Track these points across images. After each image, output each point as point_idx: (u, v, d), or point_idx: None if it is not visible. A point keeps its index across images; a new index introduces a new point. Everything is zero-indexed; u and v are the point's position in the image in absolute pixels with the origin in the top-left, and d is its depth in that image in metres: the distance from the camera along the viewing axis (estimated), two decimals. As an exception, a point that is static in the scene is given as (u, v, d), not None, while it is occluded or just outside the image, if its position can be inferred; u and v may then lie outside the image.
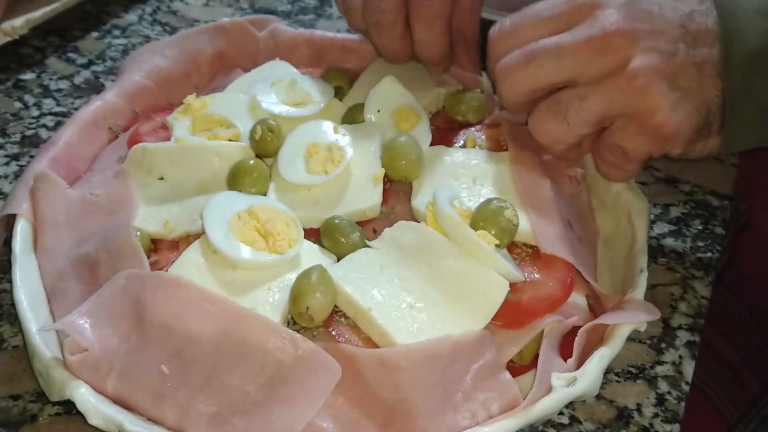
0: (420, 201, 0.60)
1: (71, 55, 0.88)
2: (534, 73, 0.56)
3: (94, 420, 0.48)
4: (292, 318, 0.52)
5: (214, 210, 0.56)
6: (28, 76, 0.84)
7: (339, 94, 0.71)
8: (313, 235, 0.58)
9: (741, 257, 0.78)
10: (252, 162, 0.61)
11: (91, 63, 0.87)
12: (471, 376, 0.50)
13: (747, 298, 0.78)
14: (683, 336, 0.61)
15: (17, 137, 0.76)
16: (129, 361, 0.50)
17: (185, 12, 0.96)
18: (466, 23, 0.71)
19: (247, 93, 0.68)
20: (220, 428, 0.48)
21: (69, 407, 0.54)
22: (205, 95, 0.69)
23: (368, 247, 0.56)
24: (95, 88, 0.82)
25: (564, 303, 0.55)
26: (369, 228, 0.59)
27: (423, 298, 0.53)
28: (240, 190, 0.59)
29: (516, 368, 0.54)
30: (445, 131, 0.67)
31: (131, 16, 0.95)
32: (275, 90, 0.68)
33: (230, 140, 0.64)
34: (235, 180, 0.60)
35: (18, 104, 0.80)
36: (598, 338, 0.54)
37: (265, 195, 0.60)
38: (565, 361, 0.53)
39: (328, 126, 0.63)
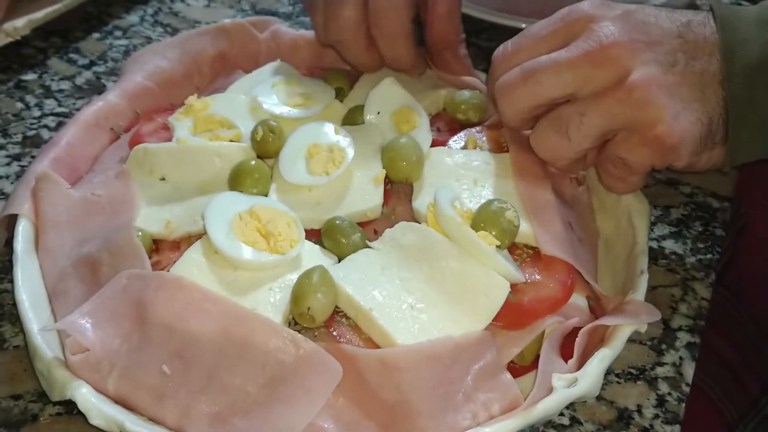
0: (421, 202, 0.60)
1: (73, 55, 0.88)
2: (533, 90, 0.56)
3: (95, 420, 0.48)
4: (293, 318, 0.53)
5: (215, 210, 0.56)
6: (30, 76, 0.84)
7: (340, 95, 0.71)
8: (314, 235, 0.58)
9: (740, 259, 0.78)
10: (253, 163, 0.61)
11: (92, 64, 0.87)
12: (472, 377, 0.50)
13: (746, 299, 0.78)
14: (683, 337, 0.61)
15: (19, 137, 0.76)
16: (130, 361, 0.50)
17: (186, 13, 0.97)
18: (447, 30, 0.71)
19: (249, 94, 0.69)
20: (221, 428, 0.48)
21: (70, 407, 0.54)
22: (206, 96, 0.69)
23: (369, 247, 0.56)
24: (97, 88, 0.83)
25: (565, 304, 0.55)
26: (370, 229, 0.59)
27: (424, 298, 0.53)
28: (241, 191, 0.59)
29: (517, 369, 0.54)
30: (445, 132, 0.67)
31: (133, 17, 0.95)
32: (276, 91, 0.69)
33: (231, 141, 0.64)
34: (237, 180, 0.60)
35: (19, 105, 0.80)
36: (599, 339, 0.55)
37: (266, 196, 0.60)
38: (566, 362, 0.53)
39: (329, 127, 0.63)
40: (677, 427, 0.55)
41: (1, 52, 0.85)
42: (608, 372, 0.55)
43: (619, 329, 0.54)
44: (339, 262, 0.56)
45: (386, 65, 0.72)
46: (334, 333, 0.52)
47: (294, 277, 0.53)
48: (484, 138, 0.66)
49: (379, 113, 0.66)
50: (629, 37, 0.53)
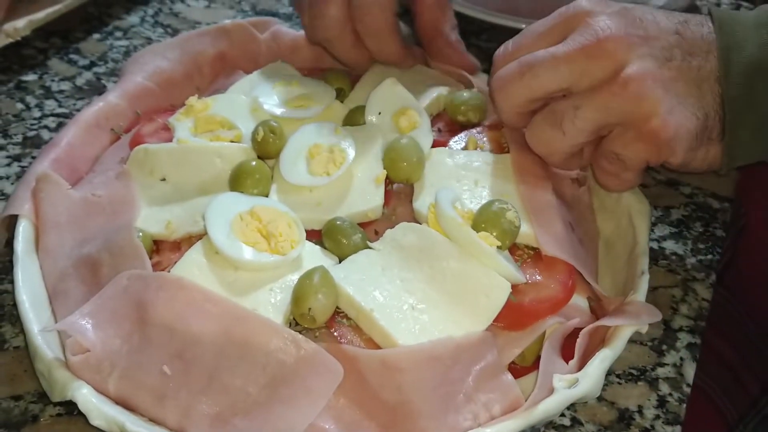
0: (422, 203, 0.60)
1: (73, 56, 0.88)
2: (529, 83, 0.56)
3: (95, 420, 0.48)
4: (294, 319, 0.53)
5: (216, 211, 0.56)
6: (30, 77, 0.84)
7: (340, 95, 0.71)
8: (314, 236, 0.58)
9: (740, 259, 0.78)
10: (254, 163, 0.61)
11: (92, 64, 0.87)
12: (473, 378, 0.50)
13: (746, 299, 0.78)
14: (684, 338, 0.61)
15: (19, 138, 0.76)
16: (131, 362, 0.50)
17: (187, 14, 0.97)
18: (438, 19, 0.71)
19: (249, 95, 0.69)
20: (221, 429, 0.48)
21: (70, 408, 0.54)
22: (206, 97, 0.69)
23: (370, 248, 0.56)
24: (97, 89, 0.83)
25: (565, 305, 0.55)
26: (370, 229, 0.59)
27: (425, 299, 0.53)
28: (242, 192, 0.59)
29: (518, 370, 0.54)
30: (446, 133, 0.67)
31: (133, 18, 0.95)
32: (277, 92, 0.69)
33: (232, 142, 0.64)
34: (237, 181, 0.60)
35: (20, 105, 0.80)
36: (600, 340, 0.55)
37: (266, 196, 0.60)
38: (567, 363, 0.53)
39: (329, 128, 0.63)
40: (678, 428, 0.55)
41: (2, 53, 0.85)
42: (609, 373, 0.55)
43: (620, 330, 0.54)
44: (340, 262, 0.56)
45: (375, 60, 0.72)
46: (335, 333, 0.52)
47: (295, 277, 0.53)
48: (485, 139, 0.66)
49: (380, 114, 0.66)
50: (625, 32, 0.53)
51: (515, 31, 0.61)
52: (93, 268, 0.56)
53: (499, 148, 0.65)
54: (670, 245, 0.69)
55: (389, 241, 0.56)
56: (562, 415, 0.55)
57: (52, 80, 0.84)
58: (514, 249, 0.58)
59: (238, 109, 0.67)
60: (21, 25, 0.82)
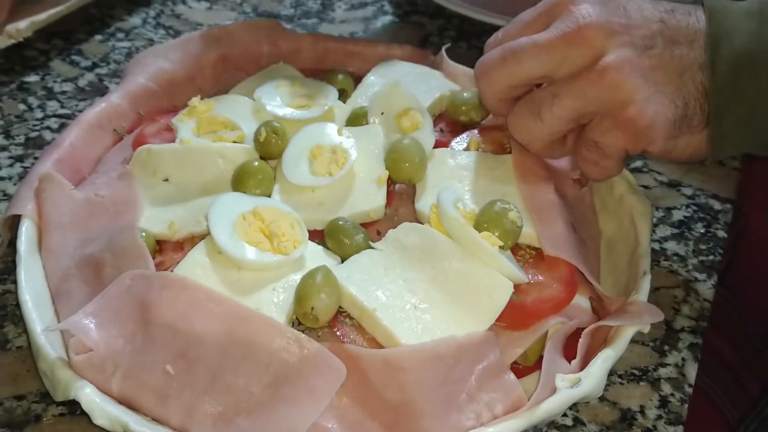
0: (424, 203, 0.60)
1: (75, 57, 0.88)
2: (511, 69, 0.56)
3: (99, 420, 0.48)
4: (296, 318, 0.53)
5: (219, 211, 0.56)
6: (32, 78, 0.84)
7: (342, 96, 0.72)
8: (317, 236, 0.58)
9: (741, 260, 0.78)
10: (256, 164, 0.61)
11: (95, 66, 0.87)
12: (475, 377, 0.50)
13: (746, 300, 0.78)
14: (686, 338, 0.61)
15: (21, 139, 0.76)
16: (134, 362, 0.50)
17: (189, 15, 0.97)
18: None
19: (252, 96, 0.69)
20: (224, 428, 0.48)
21: (73, 408, 0.54)
22: (209, 98, 0.69)
23: (372, 248, 0.56)
24: (99, 90, 0.83)
25: (568, 305, 0.56)
26: (373, 230, 0.59)
27: (427, 299, 0.53)
28: (244, 192, 0.59)
29: (520, 369, 0.54)
30: (448, 134, 0.68)
31: (135, 20, 0.95)
32: (279, 93, 0.69)
33: (235, 142, 0.64)
34: (240, 181, 0.60)
35: (22, 106, 0.80)
36: (602, 340, 0.55)
37: (269, 196, 0.60)
38: (569, 363, 0.53)
39: (332, 128, 0.63)
40: (680, 428, 0.55)
41: (4, 54, 0.85)
42: (611, 373, 0.55)
43: (622, 330, 0.54)
44: (342, 262, 0.56)
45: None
46: (338, 333, 0.52)
47: (297, 277, 0.53)
48: (486, 139, 0.66)
49: (382, 114, 0.66)
50: (606, 19, 0.53)
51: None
52: (96, 268, 0.56)
53: (500, 149, 0.65)
54: (671, 246, 0.69)
55: (391, 241, 0.56)
56: (565, 415, 0.55)
57: (55, 81, 0.84)
58: (516, 249, 0.58)
59: (240, 109, 0.67)
60: (23, 26, 0.82)
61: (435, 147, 0.64)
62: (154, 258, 0.56)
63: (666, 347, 0.61)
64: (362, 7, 1.00)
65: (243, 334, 0.50)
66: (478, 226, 0.55)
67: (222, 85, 0.75)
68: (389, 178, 0.61)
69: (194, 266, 0.54)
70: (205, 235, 0.56)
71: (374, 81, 0.72)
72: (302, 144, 0.62)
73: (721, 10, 0.54)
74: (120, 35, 0.92)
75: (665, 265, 0.68)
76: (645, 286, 0.57)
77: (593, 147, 0.57)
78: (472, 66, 0.62)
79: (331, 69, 0.76)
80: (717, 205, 0.74)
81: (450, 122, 0.69)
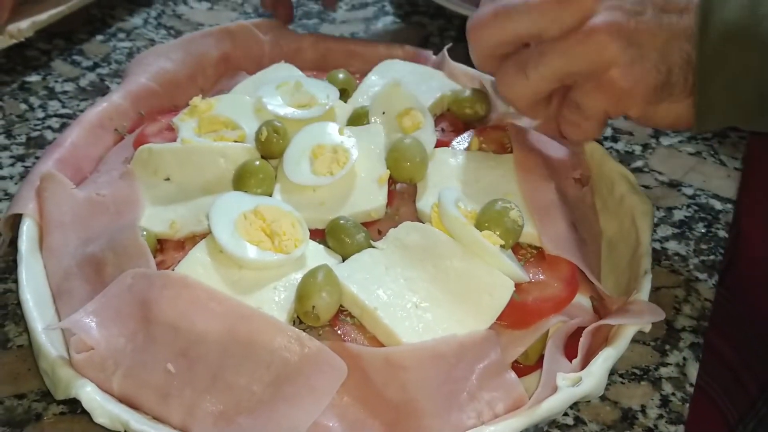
0: (425, 202, 0.60)
1: (76, 57, 0.88)
2: (502, 26, 0.57)
3: (99, 419, 0.48)
4: (297, 317, 0.53)
5: (220, 210, 0.56)
6: (34, 78, 0.84)
7: (343, 96, 0.72)
8: (318, 235, 0.58)
9: (739, 259, 0.78)
10: (257, 163, 0.61)
11: (96, 66, 0.87)
12: (476, 376, 0.50)
13: (745, 299, 0.78)
14: (687, 338, 0.61)
15: (23, 139, 0.76)
16: (135, 360, 0.50)
17: (190, 16, 0.97)
18: None
19: (253, 95, 0.69)
20: (225, 427, 0.48)
21: (74, 406, 0.54)
22: (210, 97, 0.69)
23: (373, 247, 0.56)
24: (100, 90, 0.83)
25: (568, 304, 0.56)
26: (374, 229, 0.59)
27: (428, 297, 0.53)
28: (246, 191, 0.59)
29: (521, 368, 0.54)
30: (449, 133, 0.68)
31: (136, 20, 0.95)
32: (280, 92, 0.69)
33: (236, 142, 0.64)
34: (241, 181, 0.60)
35: (23, 106, 0.81)
36: (603, 339, 0.55)
37: (270, 196, 0.60)
38: (570, 362, 0.53)
39: (333, 128, 0.64)
40: (681, 428, 0.55)
41: (5, 54, 0.85)
42: (612, 372, 0.55)
43: (623, 329, 0.54)
44: (343, 261, 0.56)
45: None
46: (339, 332, 0.52)
47: (298, 276, 0.53)
48: (487, 139, 0.66)
49: (383, 114, 0.66)
50: None
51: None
52: (97, 267, 0.56)
53: (501, 149, 0.65)
54: (672, 246, 0.69)
55: (393, 240, 0.56)
56: (566, 414, 0.55)
57: (56, 81, 0.84)
58: (517, 248, 0.58)
59: (241, 109, 0.68)
60: (24, 26, 0.82)
61: (436, 146, 0.64)
62: (155, 257, 0.56)
63: (667, 347, 0.61)
64: (363, 7, 1.00)
65: (244, 333, 0.50)
66: (479, 226, 0.55)
67: (223, 85, 0.75)
68: (390, 178, 0.61)
69: (195, 265, 0.54)
70: (207, 234, 0.56)
71: (375, 81, 0.72)
72: (303, 143, 0.62)
73: None
74: (121, 35, 0.92)
75: (666, 265, 0.68)
76: (646, 285, 0.57)
77: (575, 108, 0.58)
78: (473, 66, 0.62)
79: (332, 69, 0.76)
80: (718, 205, 0.74)
81: (452, 122, 0.69)
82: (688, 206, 0.74)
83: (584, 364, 0.52)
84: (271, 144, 0.63)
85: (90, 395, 0.48)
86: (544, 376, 0.50)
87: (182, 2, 0.99)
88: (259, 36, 0.79)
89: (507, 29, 0.57)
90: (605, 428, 0.55)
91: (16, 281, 0.56)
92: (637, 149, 0.80)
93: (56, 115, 0.80)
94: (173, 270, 0.54)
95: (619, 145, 0.80)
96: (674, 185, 0.76)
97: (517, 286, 0.54)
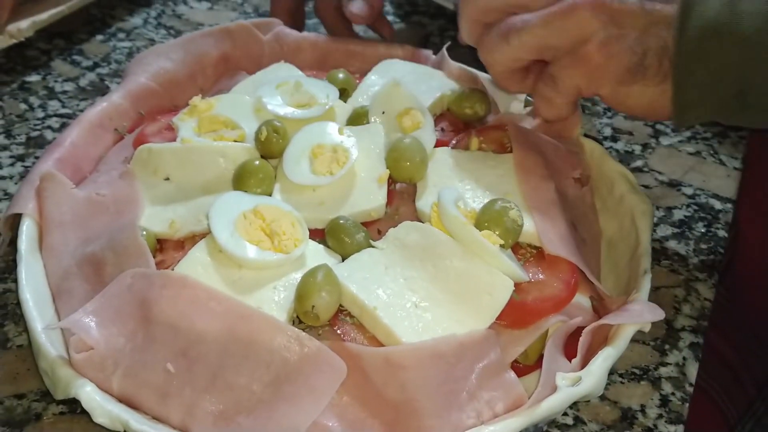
0: (424, 202, 0.60)
1: (76, 57, 0.88)
2: None
3: (99, 418, 0.48)
4: (297, 317, 0.53)
5: (219, 210, 0.56)
6: (34, 78, 0.84)
7: (343, 96, 0.72)
8: (318, 235, 0.58)
9: (738, 260, 0.78)
10: (257, 163, 0.61)
11: (96, 65, 0.87)
12: (476, 376, 0.50)
13: (743, 299, 0.78)
14: (687, 338, 0.61)
15: (22, 138, 0.76)
16: (135, 360, 0.50)
17: (190, 16, 0.97)
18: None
19: (253, 95, 0.69)
20: (225, 427, 0.48)
21: (73, 406, 0.54)
22: (210, 97, 0.69)
23: (373, 247, 0.56)
24: (100, 90, 0.83)
25: (568, 303, 0.56)
26: (373, 229, 0.59)
27: (428, 297, 0.53)
28: (245, 191, 0.59)
29: (520, 368, 0.54)
30: (449, 133, 0.68)
31: (136, 20, 0.95)
32: (280, 92, 0.69)
33: (236, 141, 0.64)
34: (241, 180, 0.60)
35: (23, 106, 0.81)
36: (603, 339, 0.55)
37: (270, 195, 0.60)
38: (570, 361, 0.53)
39: (332, 127, 0.64)
40: (681, 427, 0.55)
41: (5, 54, 0.85)
42: (612, 372, 0.55)
43: (623, 328, 0.54)
44: (343, 261, 0.56)
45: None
46: (339, 331, 0.52)
47: (298, 275, 0.53)
48: (487, 138, 0.66)
49: (383, 113, 0.66)
50: None
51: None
52: (97, 266, 0.56)
53: (501, 148, 0.65)
54: (672, 245, 0.69)
55: (392, 240, 0.56)
56: (565, 414, 0.55)
57: (56, 81, 0.84)
58: (517, 248, 0.58)
59: (241, 109, 0.68)
60: (24, 26, 0.82)
61: (436, 146, 0.64)
62: (154, 257, 0.56)
63: (667, 346, 0.61)
64: (363, 7, 1.00)
65: (244, 333, 0.50)
66: (479, 225, 0.55)
67: (223, 85, 0.75)
68: (390, 177, 0.61)
69: (195, 265, 0.54)
70: (206, 234, 0.56)
71: (375, 80, 0.72)
72: (303, 143, 0.62)
73: None
74: (121, 35, 0.92)
75: (666, 265, 0.68)
76: (646, 285, 0.57)
77: (550, 82, 0.60)
78: (472, 66, 0.63)
79: (332, 69, 0.76)
80: (717, 205, 0.74)
81: (451, 121, 0.69)
82: (688, 206, 0.74)
83: (584, 364, 0.52)
84: (271, 144, 0.63)
85: (89, 395, 0.48)
86: (544, 375, 0.50)
87: (182, 2, 0.99)
88: (259, 36, 0.79)
89: None
90: (605, 428, 0.55)
91: (15, 281, 0.56)
92: (637, 149, 0.80)
93: (56, 115, 0.80)
94: (173, 270, 0.54)
95: (619, 145, 0.80)
96: (674, 185, 0.76)
97: (517, 285, 0.54)
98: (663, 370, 0.59)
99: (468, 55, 0.73)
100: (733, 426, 0.75)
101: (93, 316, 0.51)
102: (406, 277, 0.54)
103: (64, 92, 0.83)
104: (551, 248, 0.56)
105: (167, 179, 0.62)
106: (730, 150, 0.80)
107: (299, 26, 0.83)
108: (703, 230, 0.71)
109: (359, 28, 0.95)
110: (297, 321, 0.53)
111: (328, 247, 0.57)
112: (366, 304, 0.52)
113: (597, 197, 0.67)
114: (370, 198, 0.60)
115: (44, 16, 0.83)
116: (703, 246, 0.70)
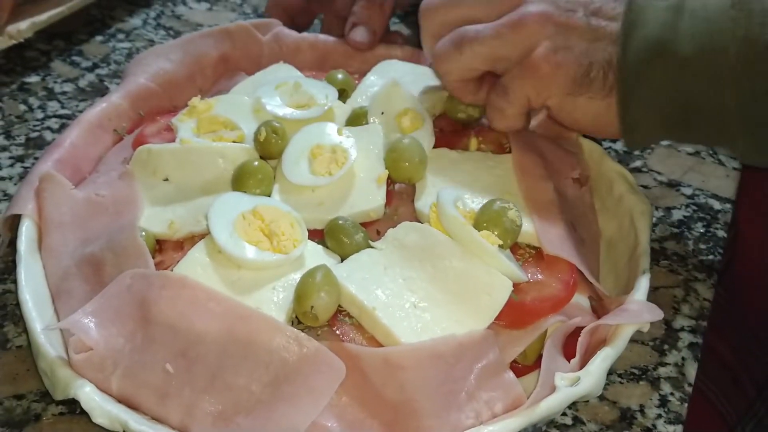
0: (423, 203, 0.60)
1: (76, 58, 0.88)
2: (449, 9, 0.62)
3: (98, 419, 0.48)
4: (296, 317, 0.53)
5: (219, 210, 0.56)
6: (33, 78, 0.84)
7: (342, 96, 0.72)
8: (317, 236, 0.58)
9: (737, 260, 0.78)
10: (256, 163, 0.61)
11: (95, 66, 0.87)
12: (475, 376, 0.50)
13: (742, 300, 0.78)
14: (686, 338, 0.61)
15: (22, 139, 0.76)
16: (134, 361, 0.50)
17: (189, 16, 0.97)
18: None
19: (252, 95, 0.69)
20: (224, 427, 0.48)
21: (73, 407, 0.54)
22: (209, 98, 0.69)
23: (372, 247, 0.56)
24: (99, 91, 0.83)
25: (567, 304, 0.56)
26: (372, 229, 0.59)
27: (427, 297, 0.53)
28: (244, 191, 0.59)
29: (519, 368, 0.54)
30: (448, 133, 0.68)
31: (135, 21, 0.95)
32: (279, 93, 0.69)
33: (235, 142, 0.64)
34: (240, 181, 0.60)
35: (23, 107, 0.81)
36: (601, 339, 0.55)
37: (269, 196, 0.60)
38: (569, 362, 0.53)
39: (332, 128, 0.64)
40: (680, 428, 0.55)
41: (5, 55, 0.85)
42: (611, 372, 0.55)
43: (622, 329, 0.54)
44: (342, 261, 0.56)
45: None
46: (338, 332, 0.52)
47: (297, 276, 0.53)
48: (486, 139, 0.66)
49: (382, 114, 0.66)
50: None
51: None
52: (96, 267, 0.56)
53: (500, 149, 0.65)
54: (671, 245, 0.70)
55: (391, 241, 0.56)
56: (564, 414, 0.55)
57: (55, 82, 0.84)
58: (516, 248, 0.58)
59: (240, 109, 0.68)
60: (24, 27, 0.82)
61: (435, 147, 0.65)
62: (154, 257, 0.56)
63: (666, 346, 0.61)
64: (362, 7, 1.00)
65: (243, 333, 0.50)
66: (478, 225, 0.55)
67: (222, 85, 0.75)
68: (389, 178, 0.61)
69: (194, 265, 0.54)
70: (205, 235, 0.56)
71: (374, 81, 0.72)
72: (302, 144, 0.62)
73: (643, 3, 0.57)
74: (120, 36, 0.92)
75: (665, 265, 0.68)
76: (644, 285, 0.57)
77: (502, 92, 0.61)
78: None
79: (331, 69, 0.76)
80: (717, 205, 0.74)
81: (450, 122, 0.69)
82: (687, 206, 0.74)
83: (583, 364, 0.52)
84: (270, 144, 0.63)
85: (89, 395, 0.48)
86: (543, 375, 0.50)
87: (181, 3, 0.99)
88: (258, 36, 0.79)
89: (450, 14, 0.62)
90: (604, 428, 0.55)
91: (15, 282, 0.57)
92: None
93: (55, 116, 0.80)
94: (172, 270, 0.54)
95: (618, 145, 0.80)
96: (673, 185, 0.76)
97: (516, 285, 0.54)
98: (662, 371, 0.59)
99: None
100: (732, 427, 0.75)
101: (92, 317, 0.51)
102: (405, 277, 0.54)
103: (64, 93, 0.83)
104: (550, 248, 0.56)
105: (166, 180, 0.62)
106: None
107: (299, 26, 0.83)
108: (702, 230, 0.71)
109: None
110: (296, 321, 0.53)
111: (327, 247, 0.57)
112: (365, 305, 0.52)
113: (596, 197, 0.67)
114: (369, 198, 0.60)
115: (44, 17, 0.83)
116: (702, 246, 0.70)
